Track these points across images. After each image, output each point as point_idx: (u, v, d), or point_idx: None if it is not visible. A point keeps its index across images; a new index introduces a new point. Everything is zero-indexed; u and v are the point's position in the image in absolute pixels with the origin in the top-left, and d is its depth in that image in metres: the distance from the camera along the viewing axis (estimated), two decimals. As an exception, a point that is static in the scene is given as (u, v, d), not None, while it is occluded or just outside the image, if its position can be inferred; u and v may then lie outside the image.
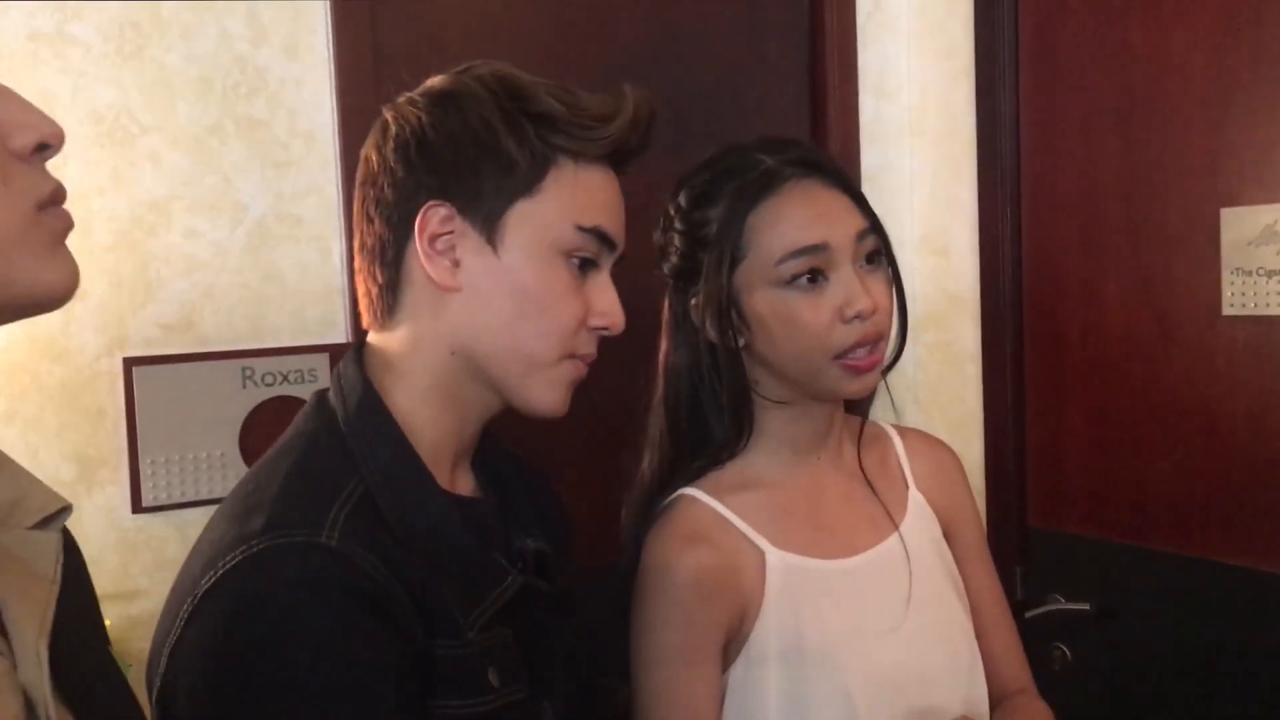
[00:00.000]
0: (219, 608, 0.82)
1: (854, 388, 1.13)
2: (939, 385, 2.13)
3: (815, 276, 1.10)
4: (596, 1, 1.97)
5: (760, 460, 1.18)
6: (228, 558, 0.83)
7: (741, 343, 1.15)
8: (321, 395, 0.99)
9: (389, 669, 0.83)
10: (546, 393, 0.97)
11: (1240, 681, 1.76)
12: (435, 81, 0.97)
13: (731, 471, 1.17)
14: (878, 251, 1.14)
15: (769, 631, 1.11)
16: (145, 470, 1.59)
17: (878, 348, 1.12)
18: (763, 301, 1.12)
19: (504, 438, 1.12)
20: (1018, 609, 2.00)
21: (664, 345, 1.22)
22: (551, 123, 0.94)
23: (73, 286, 0.63)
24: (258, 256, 1.67)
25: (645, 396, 1.24)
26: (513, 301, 0.94)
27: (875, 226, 1.14)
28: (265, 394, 1.66)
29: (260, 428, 1.65)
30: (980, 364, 2.15)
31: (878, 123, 2.17)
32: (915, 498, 1.24)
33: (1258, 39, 1.71)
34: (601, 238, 0.96)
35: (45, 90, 1.52)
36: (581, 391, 1.01)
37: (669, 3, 2.05)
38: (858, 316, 1.09)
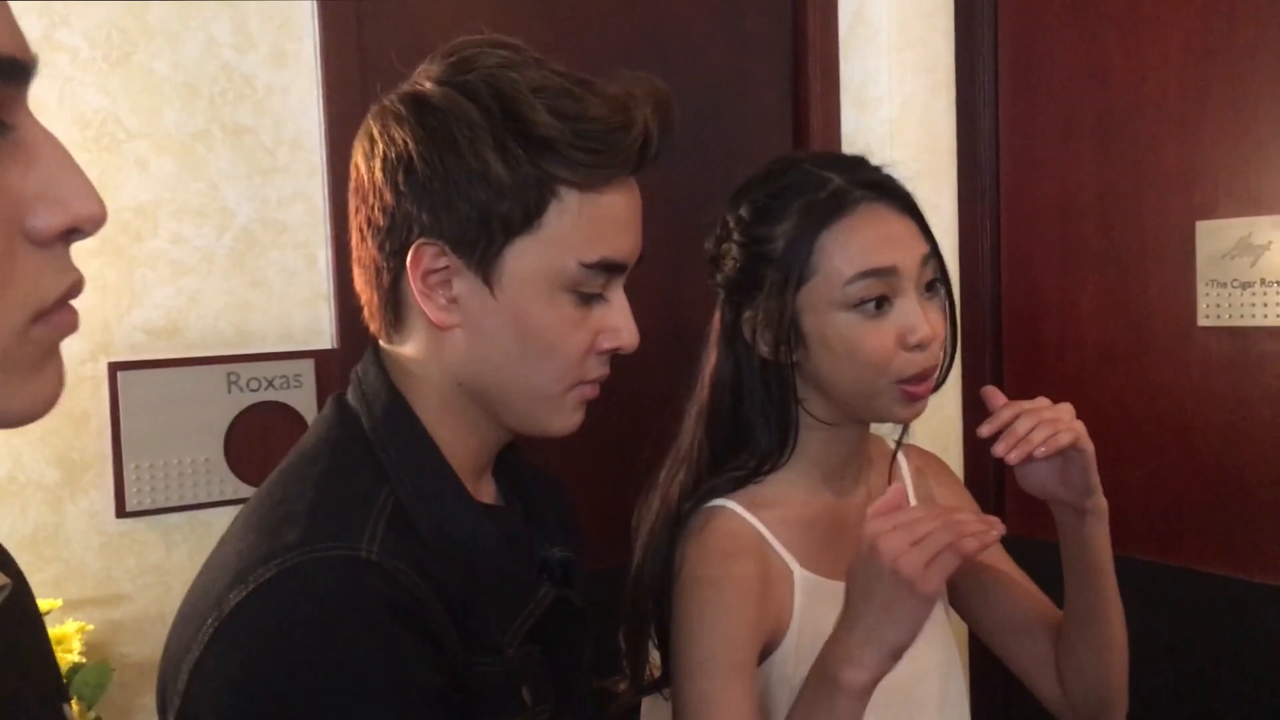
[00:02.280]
0: (252, 624, 0.76)
1: (908, 413, 1.13)
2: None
3: (881, 303, 1.09)
4: (583, 10, 1.99)
5: (792, 478, 1.18)
6: (259, 571, 0.77)
7: (795, 360, 1.14)
8: (341, 399, 0.94)
9: (433, 689, 0.79)
10: (556, 419, 0.92)
11: (1216, 687, 1.79)
12: (426, 85, 0.87)
13: (765, 487, 1.17)
14: (935, 280, 1.14)
15: (792, 649, 1.12)
16: (129, 475, 1.60)
17: (930, 375, 1.13)
18: (826, 322, 1.11)
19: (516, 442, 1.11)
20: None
21: (712, 357, 1.20)
22: (550, 149, 0.84)
23: (51, 403, 0.54)
24: (244, 262, 1.67)
25: (674, 405, 1.22)
26: (513, 340, 0.87)
27: (936, 252, 1.14)
28: (250, 399, 1.66)
29: (245, 433, 1.65)
30: (960, 374, 2.18)
31: (859, 134, 2.19)
32: None
33: (1231, 57, 1.73)
34: (609, 268, 0.89)
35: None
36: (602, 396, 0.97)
37: (654, 13, 2.07)
38: (918, 345, 1.09)
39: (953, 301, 1.17)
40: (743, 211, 1.16)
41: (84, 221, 0.51)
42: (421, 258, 0.86)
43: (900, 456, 1.30)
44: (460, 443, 0.92)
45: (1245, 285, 1.71)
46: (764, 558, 1.13)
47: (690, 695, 1.08)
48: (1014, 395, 2.08)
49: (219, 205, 1.65)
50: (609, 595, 1.18)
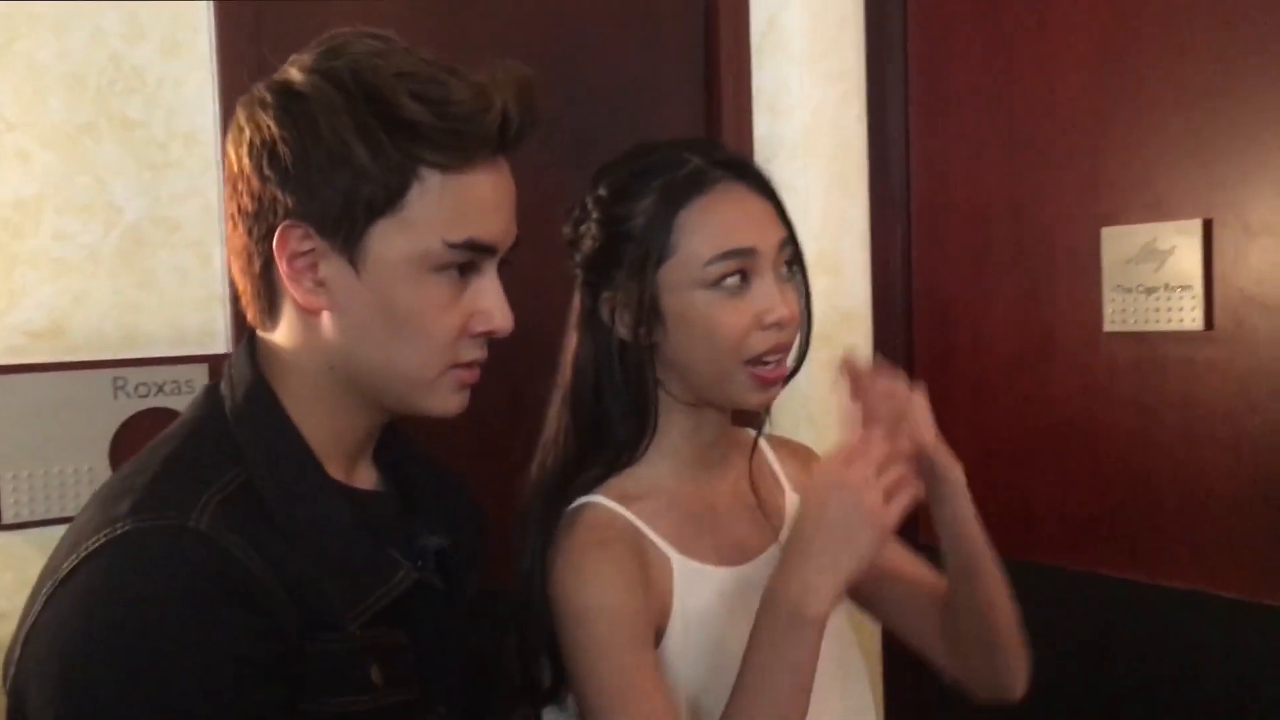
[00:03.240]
0: (76, 592, 0.79)
1: (759, 399, 1.13)
2: (832, 402, 2.14)
3: (741, 281, 1.09)
4: (493, 18, 1.95)
5: (659, 467, 1.16)
6: (90, 541, 0.80)
7: (654, 341, 1.13)
8: (212, 385, 0.96)
9: (253, 660, 0.80)
10: (433, 401, 0.94)
11: (1126, 693, 1.80)
12: (292, 73, 0.90)
13: (631, 479, 1.15)
14: (792, 262, 1.14)
15: (677, 638, 1.10)
16: (6, 485, 1.51)
17: (783, 361, 1.13)
18: (684, 301, 1.10)
19: (419, 436, 1.09)
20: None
21: (572, 340, 1.18)
22: (413, 132, 0.86)
23: None
24: (132, 261, 1.60)
25: (545, 393, 1.20)
26: (381, 323, 0.89)
27: (793, 237, 1.15)
28: (138, 405, 1.59)
29: (132, 441, 1.57)
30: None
31: (771, 141, 2.19)
32: (792, 499, 1.25)
33: (1134, 66, 1.76)
34: (477, 248, 0.90)
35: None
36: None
37: (566, 20, 2.04)
38: (775, 324, 1.09)
39: (808, 287, 1.18)
40: (601, 191, 1.15)
41: None
42: (287, 240, 0.87)
43: (766, 447, 1.29)
44: (328, 428, 0.93)
45: (1150, 290, 1.73)
46: (639, 548, 1.11)
47: (596, 688, 1.05)
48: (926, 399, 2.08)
49: (106, 201, 1.58)
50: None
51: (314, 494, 0.90)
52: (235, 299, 1.61)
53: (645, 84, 2.14)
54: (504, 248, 0.94)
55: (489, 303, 0.92)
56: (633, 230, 1.11)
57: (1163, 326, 1.73)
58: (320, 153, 0.86)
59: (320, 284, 0.89)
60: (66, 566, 0.80)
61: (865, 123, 2.17)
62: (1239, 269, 1.66)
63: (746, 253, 1.09)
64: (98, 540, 0.80)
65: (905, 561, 1.27)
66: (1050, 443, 1.90)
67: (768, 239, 1.11)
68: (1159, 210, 1.73)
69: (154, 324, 1.62)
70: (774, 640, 0.99)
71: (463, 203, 0.89)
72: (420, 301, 0.89)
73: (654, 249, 1.10)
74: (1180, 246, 1.70)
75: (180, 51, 1.62)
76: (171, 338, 1.63)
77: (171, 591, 0.78)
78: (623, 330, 1.13)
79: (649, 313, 1.11)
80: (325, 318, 0.90)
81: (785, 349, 1.12)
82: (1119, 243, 1.77)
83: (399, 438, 1.05)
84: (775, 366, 1.12)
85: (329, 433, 0.93)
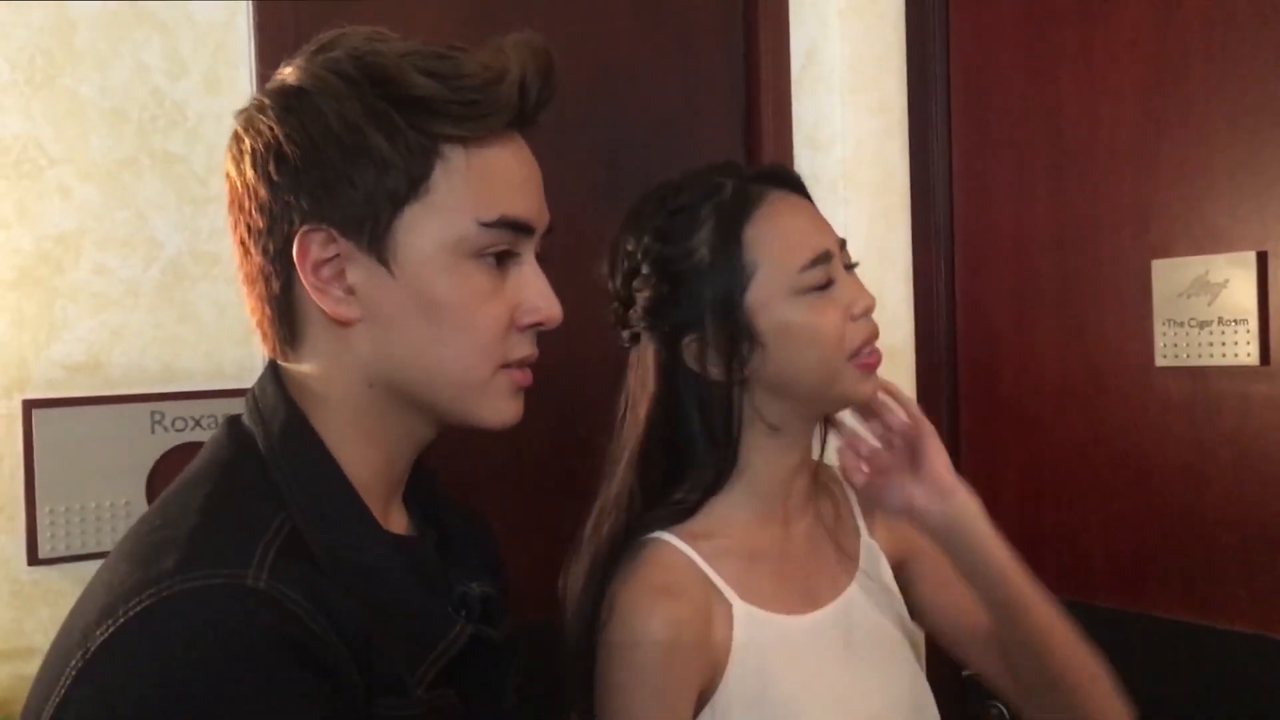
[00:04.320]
0: (121, 662, 0.68)
1: (867, 388, 1.13)
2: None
3: (826, 284, 1.11)
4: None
5: (733, 504, 1.13)
6: (131, 603, 0.69)
7: (750, 369, 1.12)
8: (235, 420, 0.87)
9: None
10: (488, 410, 0.85)
11: (1179, 739, 1.74)
12: (286, 74, 0.83)
13: (703, 517, 1.13)
14: (851, 264, 1.17)
15: (733, 686, 1.07)
16: (43, 519, 1.50)
17: (877, 348, 1.14)
18: (780, 314, 1.10)
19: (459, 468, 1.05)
20: (954, 665, 1.96)
21: (646, 396, 1.13)
22: (428, 108, 0.80)
23: None
24: (172, 295, 1.60)
25: (599, 460, 1.15)
26: (422, 323, 0.81)
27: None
28: (176, 440, 1.58)
29: (170, 475, 1.54)
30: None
31: (813, 175, 2.16)
32: (867, 544, 1.22)
33: (1183, 95, 1.73)
34: (513, 226, 0.83)
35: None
36: (518, 433, 0.93)
37: (606, 52, 2.03)
38: (864, 313, 1.11)
39: None
40: (646, 239, 1.12)
41: None
42: (309, 248, 0.80)
43: (847, 485, 1.26)
44: (369, 462, 0.85)
45: (1203, 324, 1.69)
46: (700, 593, 1.08)
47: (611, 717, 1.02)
48: (971, 436, 2.05)
49: (146, 235, 1.58)
50: (542, 650, 1.10)
51: (364, 541, 0.81)
52: (273, 333, 1.62)
53: (684, 116, 2.12)
54: (539, 227, 0.87)
55: (533, 291, 0.86)
56: (700, 264, 1.09)
57: (1216, 361, 1.68)
58: (332, 146, 0.79)
59: (350, 291, 0.81)
60: (102, 634, 0.69)
61: (908, 155, 2.14)
62: (1296, 302, 1.61)
63: (829, 254, 1.11)
64: (140, 603, 0.69)
65: (954, 593, 1.23)
66: (1101, 480, 1.85)
67: (834, 239, 1.13)
68: (1211, 242, 1.69)
69: (193, 358, 1.62)
70: None
71: (490, 179, 0.83)
72: (461, 293, 0.82)
73: (734, 274, 1.09)
74: (1234, 279, 1.65)
75: (221, 86, 1.63)
76: (210, 372, 1.63)
77: (233, 660, 0.68)
78: (714, 370, 1.10)
79: (747, 340, 1.10)
80: (359, 330, 0.82)
81: (876, 336, 1.13)
82: (1170, 275, 1.73)
83: (425, 475, 0.97)
84: (871, 353, 1.13)
85: (370, 468, 0.85)
